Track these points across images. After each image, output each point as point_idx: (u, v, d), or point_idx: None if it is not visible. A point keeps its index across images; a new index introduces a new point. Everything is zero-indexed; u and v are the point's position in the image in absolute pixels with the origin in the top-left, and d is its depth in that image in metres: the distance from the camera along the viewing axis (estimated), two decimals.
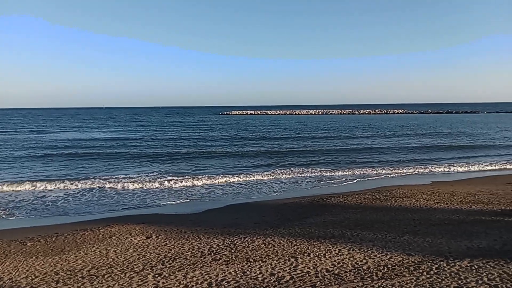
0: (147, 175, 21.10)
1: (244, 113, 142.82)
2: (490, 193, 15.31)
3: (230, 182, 19.55)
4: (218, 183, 19.31)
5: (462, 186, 17.42)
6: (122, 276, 7.88)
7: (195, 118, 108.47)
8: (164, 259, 8.84)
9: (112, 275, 7.95)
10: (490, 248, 9.02)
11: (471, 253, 8.69)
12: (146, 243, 10.17)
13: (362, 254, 8.83)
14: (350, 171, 22.28)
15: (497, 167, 23.28)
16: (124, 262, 8.75)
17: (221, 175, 20.92)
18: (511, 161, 25.58)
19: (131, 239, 10.57)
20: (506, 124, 66.71)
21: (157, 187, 18.35)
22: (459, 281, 7.23)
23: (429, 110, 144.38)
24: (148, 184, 18.84)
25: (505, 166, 23.62)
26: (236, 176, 20.67)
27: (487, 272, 7.62)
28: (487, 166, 23.69)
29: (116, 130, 61.61)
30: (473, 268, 7.86)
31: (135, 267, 8.39)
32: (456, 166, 23.43)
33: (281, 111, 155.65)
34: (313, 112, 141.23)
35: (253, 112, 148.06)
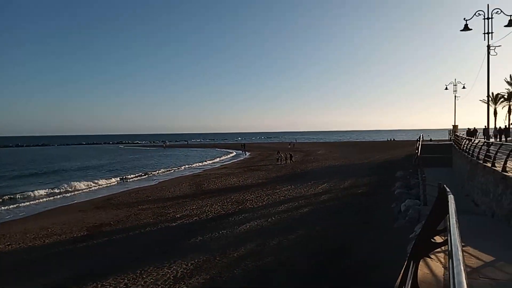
0: None
1: None
2: (63, 223, 15.53)
3: None
4: None
5: (35, 221, 16.65)
6: None
7: None
8: None
9: None
10: (65, 281, 9.05)
11: None
12: None
13: None
14: None
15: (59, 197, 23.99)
16: None
17: None
18: (78, 190, 27.19)
19: None
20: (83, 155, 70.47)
21: None
22: None
23: None
24: None
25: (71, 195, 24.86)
26: None
27: None
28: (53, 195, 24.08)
29: None
30: None
31: None
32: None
33: None
34: None
35: None
